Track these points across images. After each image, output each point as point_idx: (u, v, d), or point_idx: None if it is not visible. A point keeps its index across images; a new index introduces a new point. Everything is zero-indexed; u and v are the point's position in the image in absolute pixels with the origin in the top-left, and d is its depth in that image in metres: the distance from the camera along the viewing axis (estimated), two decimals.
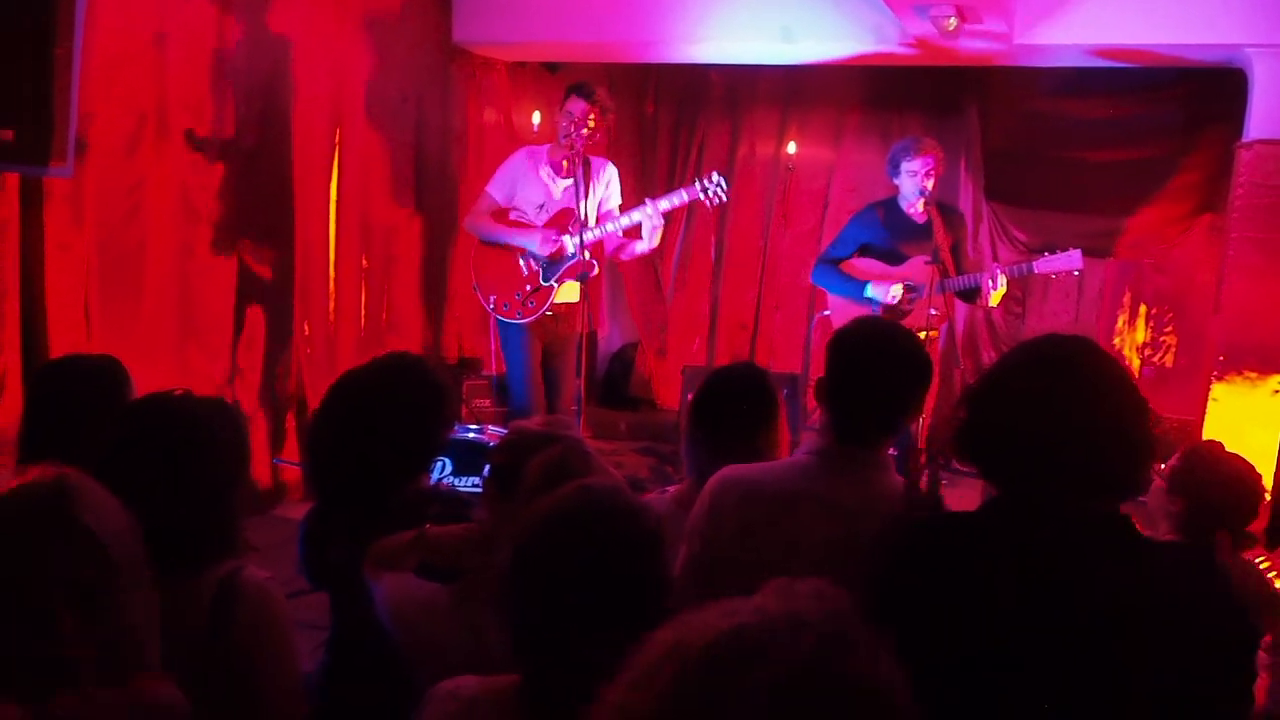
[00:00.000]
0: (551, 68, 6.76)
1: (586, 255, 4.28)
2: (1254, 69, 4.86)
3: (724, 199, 4.43)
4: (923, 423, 4.45)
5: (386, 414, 2.14)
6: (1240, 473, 2.53)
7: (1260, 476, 2.56)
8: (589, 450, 1.91)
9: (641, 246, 4.52)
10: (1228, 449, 2.65)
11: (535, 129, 6.25)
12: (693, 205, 7.02)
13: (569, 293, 4.56)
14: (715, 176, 4.41)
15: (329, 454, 2.17)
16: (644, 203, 4.42)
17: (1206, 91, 5.69)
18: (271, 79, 4.76)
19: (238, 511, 1.86)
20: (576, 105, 4.41)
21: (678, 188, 4.53)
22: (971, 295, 4.57)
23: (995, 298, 4.43)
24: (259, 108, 4.71)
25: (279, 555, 2.23)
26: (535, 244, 4.49)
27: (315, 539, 2.18)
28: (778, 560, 1.95)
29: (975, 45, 5.16)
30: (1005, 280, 4.39)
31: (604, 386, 7.54)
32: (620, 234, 4.53)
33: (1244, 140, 4.94)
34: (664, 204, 4.39)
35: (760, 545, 1.97)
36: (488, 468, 2.01)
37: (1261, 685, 2.14)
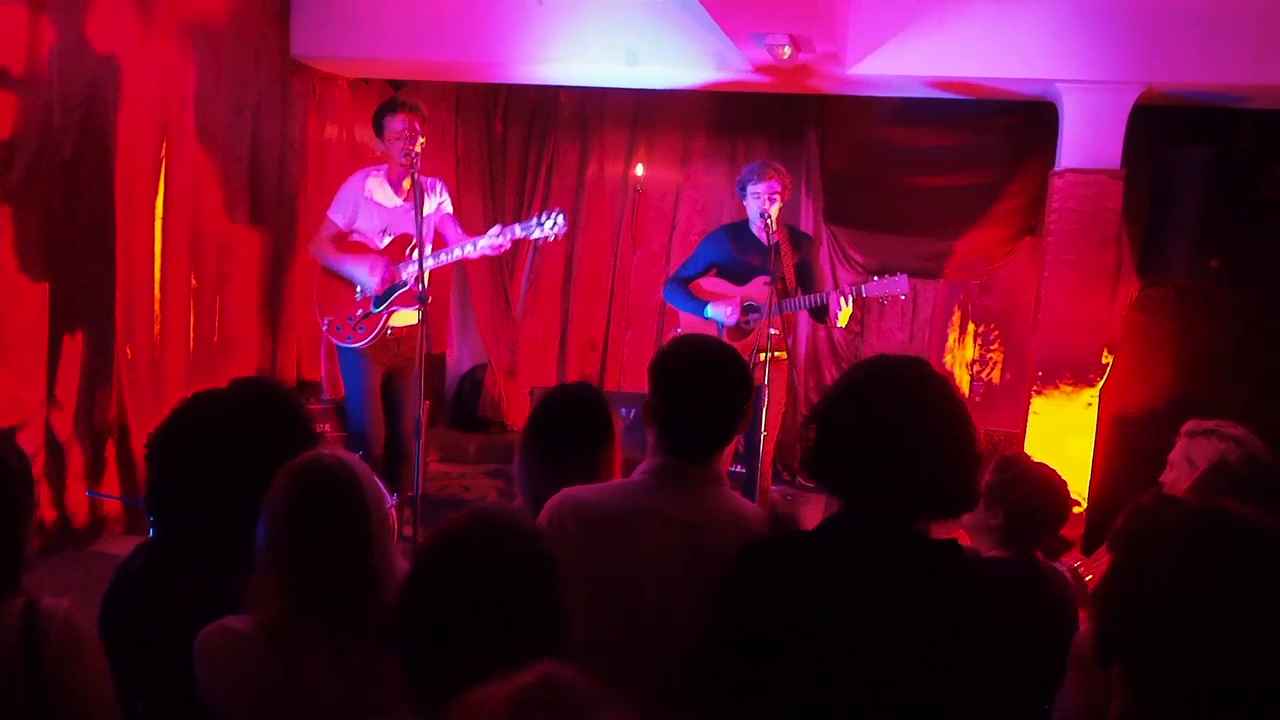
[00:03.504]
0: (396, 85, 6.65)
1: (423, 285, 4.20)
2: (1063, 102, 5.19)
3: (558, 237, 4.35)
4: (768, 438, 4.55)
5: (251, 442, 1.99)
6: (1050, 480, 2.65)
7: (1066, 482, 2.70)
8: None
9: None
10: (1034, 459, 2.79)
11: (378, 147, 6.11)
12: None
13: (408, 315, 4.48)
14: (555, 214, 4.31)
15: (179, 483, 1.99)
16: (470, 238, 4.40)
17: (1026, 123, 6.03)
18: (91, 88, 4.51)
19: (28, 543, 1.78)
20: (398, 122, 4.34)
21: (524, 218, 4.46)
22: (822, 314, 4.70)
23: (843, 317, 4.56)
24: (77, 117, 4.46)
25: (98, 592, 2.07)
26: (364, 275, 4.42)
27: (152, 576, 1.99)
28: (621, 577, 1.97)
29: (811, 75, 5.34)
30: (852, 300, 4.55)
31: (453, 409, 7.42)
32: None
33: (1057, 169, 5.27)
34: (483, 242, 4.31)
35: (603, 564, 1.98)
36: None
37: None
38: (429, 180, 4.59)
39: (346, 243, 4.51)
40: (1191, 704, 1.12)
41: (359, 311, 4.47)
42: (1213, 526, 1.20)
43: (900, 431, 1.57)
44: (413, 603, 1.45)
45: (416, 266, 4.18)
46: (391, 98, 4.48)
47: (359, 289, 4.48)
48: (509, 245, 4.36)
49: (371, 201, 4.52)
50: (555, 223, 4.27)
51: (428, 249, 4.32)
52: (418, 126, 4.34)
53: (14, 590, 1.71)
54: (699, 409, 2.04)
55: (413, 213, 4.31)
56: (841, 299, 4.52)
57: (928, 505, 1.59)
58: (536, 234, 4.28)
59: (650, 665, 1.87)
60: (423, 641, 1.43)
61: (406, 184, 4.45)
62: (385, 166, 4.56)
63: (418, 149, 4.30)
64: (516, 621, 1.41)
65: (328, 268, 4.55)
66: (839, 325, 4.67)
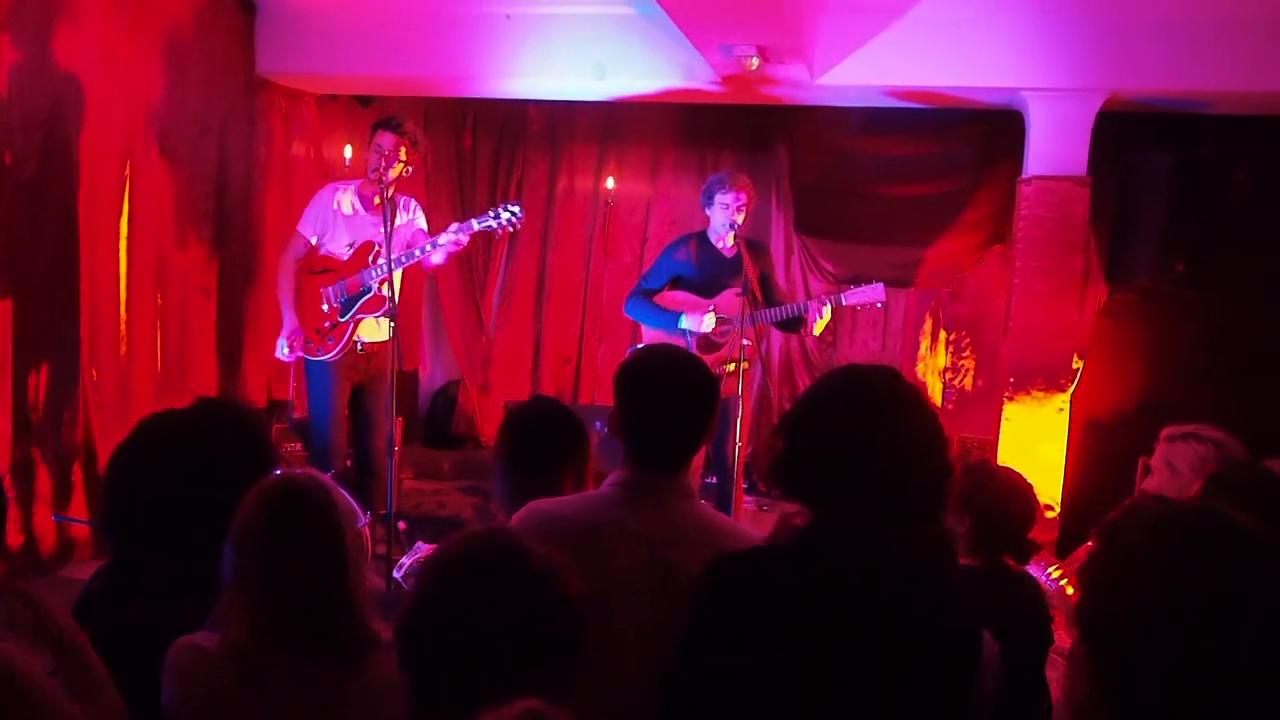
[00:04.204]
0: (364, 101, 6.62)
1: (387, 290, 4.19)
2: (1029, 110, 5.24)
3: (516, 228, 4.38)
4: (740, 451, 4.54)
5: (213, 460, 1.96)
6: (1015, 483, 2.65)
7: (1031, 485, 2.70)
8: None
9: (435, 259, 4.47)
10: (998, 463, 2.78)
11: (348, 163, 6.08)
12: (513, 240, 7.05)
13: (379, 330, 4.46)
14: (512, 206, 4.36)
15: (140, 500, 1.94)
16: (431, 238, 4.42)
17: (993, 131, 6.08)
18: (54, 107, 4.44)
19: None
20: (385, 139, 4.37)
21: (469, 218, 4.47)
22: (795, 325, 4.69)
23: (820, 326, 4.58)
24: (38, 137, 4.38)
25: None
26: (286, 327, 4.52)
27: (109, 598, 1.95)
28: (589, 591, 1.94)
29: (779, 86, 5.36)
30: (830, 309, 4.56)
31: (426, 425, 7.37)
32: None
33: (1024, 176, 5.31)
34: (444, 239, 4.32)
35: None
36: None
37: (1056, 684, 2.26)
38: (403, 199, 4.61)
39: (318, 255, 4.55)
40: (1150, 685, 1.13)
41: (326, 323, 4.48)
42: (1194, 523, 1.21)
43: (871, 440, 1.56)
44: (425, 620, 1.44)
45: (380, 272, 4.19)
46: (392, 117, 4.49)
47: (326, 299, 4.49)
48: (466, 240, 4.35)
49: (340, 215, 4.53)
50: (512, 213, 4.29)
51: (398, 274, 4.31)
52: (403, 154, 4.37)
53: None
54: (664, 419, 2.02)
55: (375, 223, 4.32)
56: (818, 310, 4.54)
57: (900, 514, 1.57)
58: (493, 224, 4.30)
59: (620, 683, 1.84)
60: (434, 659, 1.42)
61: (376, 201, 4.44)
62: (357, 182, 4.58)
63: (393, 174, 4.32)
64: (530, 639, 1.42)
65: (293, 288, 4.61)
66: (814, 333, 4.68)
